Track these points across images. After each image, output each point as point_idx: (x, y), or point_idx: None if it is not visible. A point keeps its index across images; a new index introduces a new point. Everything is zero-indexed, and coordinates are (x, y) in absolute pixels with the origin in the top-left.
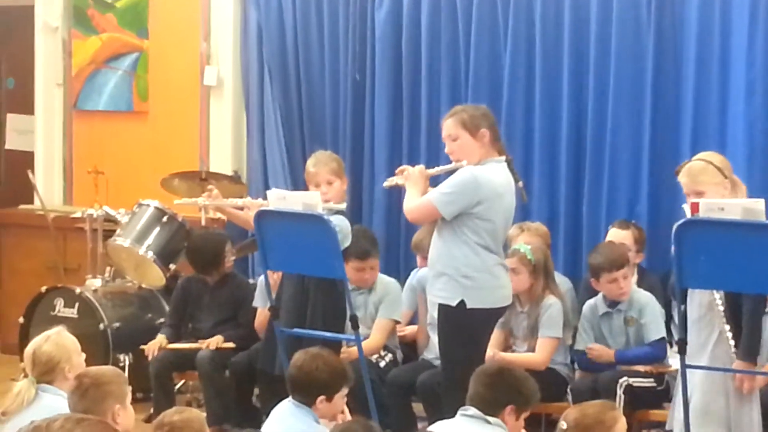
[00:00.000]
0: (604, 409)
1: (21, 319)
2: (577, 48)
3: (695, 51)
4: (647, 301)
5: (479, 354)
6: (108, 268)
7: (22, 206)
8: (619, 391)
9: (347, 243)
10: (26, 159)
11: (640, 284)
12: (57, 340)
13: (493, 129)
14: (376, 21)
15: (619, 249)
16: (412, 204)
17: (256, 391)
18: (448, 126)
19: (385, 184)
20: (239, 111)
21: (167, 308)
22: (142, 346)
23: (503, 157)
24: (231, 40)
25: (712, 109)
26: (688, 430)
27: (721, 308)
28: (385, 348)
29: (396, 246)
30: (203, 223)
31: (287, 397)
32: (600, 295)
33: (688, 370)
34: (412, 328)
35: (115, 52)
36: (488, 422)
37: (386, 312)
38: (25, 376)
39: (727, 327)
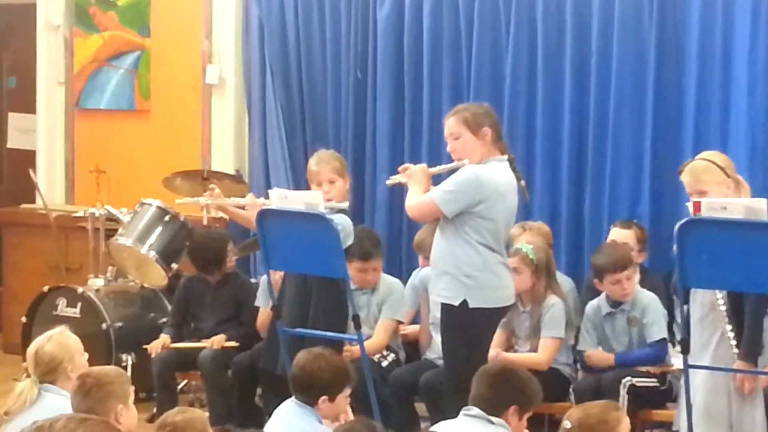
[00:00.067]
0: (607, 409)
1: (23, 319)
2: (579, 47)
3: (697, 50)
4: (650, 301)
5: (482, 354)
6: (110, 268)
7: (23, 205)
8: (623, 391)
9: (349, 242)
10: (28, 158)
11: (642, 284)
12: (59, 340)
13: (496, 128)
14: (378, 19)
15: (623, 250)
16: (414, 202)
17: (259, 390)
18: (450, 124)
19: (388, 182)
20: (241, 110)
21: (169, 308)
22: (145, 346)
23: (505, 156)
24: (233, 39)
25: (714, 108)
26: (691, 430)
27: (723, 308)
28: (388, 348)
29: (398, 245)
30: (205, 222)
31: (290, 396)
32: (603, 296)
33: (691, 371)
34: (414, 328)
35: (117, 50)
36: (491, 422)
37: (389, 312)
38: (28, 375)
39: (729, 327)
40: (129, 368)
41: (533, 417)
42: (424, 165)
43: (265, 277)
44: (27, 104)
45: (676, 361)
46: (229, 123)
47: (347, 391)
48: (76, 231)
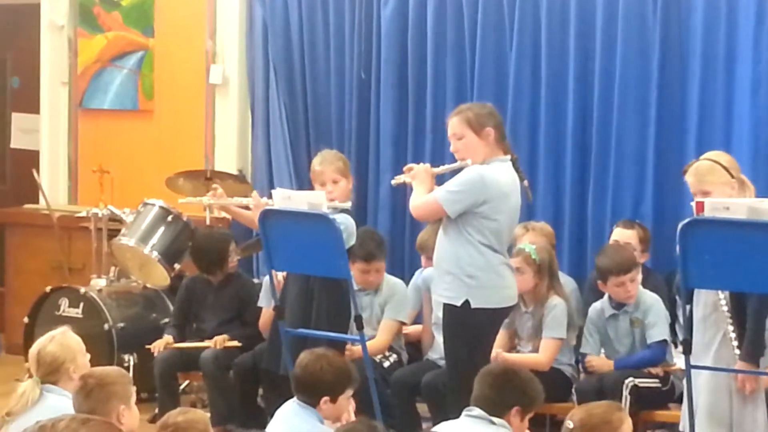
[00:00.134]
0: (610, 410)
1: (26, 319)
2: (583, 47)
3: (701, 49)
4: (652, 302)
5: (484, 354)
6: (113, 268)
7: (27, 205)
8: (625, 392)
9: (352, 242)
10: (31, 158)
11: (644, 284)
12: (62, 340)
13: (499, 128)
14: (382, 19)
15: (627, 252)
16: (418, 201)
17: (261, 391)
18: (453, 124)
19: (393, 181)
20: (244, 110)
21: (172, 308)
22: (147, 346)
23: (508, 156)
24: (236, 39)
25: (717, 107)
26: (693, 430)
27: (726, 308)
28: (390, 349)
29: (401, 245)
30: (208, 222)
31: (292, 397)
32: (606, 297)
33: (694, 371)
34: (416, 328)
35: (121, 50)
36: (493, 423)
37: (392, 313)
38: (30, 376)
39: (731, 328)
40: (131, 369)
41: (535, 417)
42: (427, 165)
43: (267, 277)
44: (30, 104)
45: (679, 361)
46: (233, 123)
47: (349, 392)
48: (78, 231)
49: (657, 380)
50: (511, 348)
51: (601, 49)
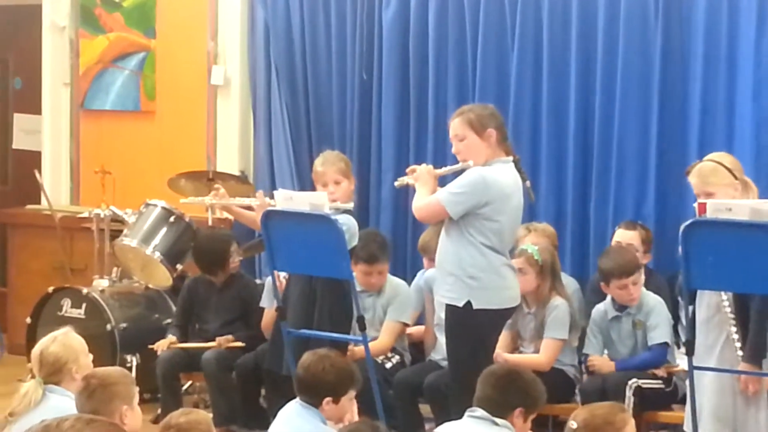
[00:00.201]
0: (614, 411)
1: (28, 320)
2: (585, 48)
3: (702, 51)
4: (655, 304)
5: (486, 355)
6: (115, 269)
7: (29, 206)
8: (629, 393)
9: (354, 243)
10: (33, 159)
11: (647, 285)
12: (64, 341)
13: (501, 129)
14: (384, 20)
15: (630, 255)
16: (421, 203)
17: (264, 392)
18: (455, 126)
19: (396, 183)
20: (246, 111)
21: (174, 309)
22: (150, 346)
23: (510, 157)
24: (238, 40)
25: (719, 108)
26: (696, 431)
27: (728, 310)
28: (393, 350)
29: (403, 246)
30: (210, 223)
31: (294, 397)
32: (609, 299)
33: (698, 373)
34: (418, 329)
35: (123, 51)
36: (496, 424)
37: (395, 314)
38: (32, 376)
39: (734, 329)
40: (133, 369)
41: (537, 418)
42: (430, 166)
43: (270, 278)
44: (32, 105)
45: (682, 362)
46: (235, 124)
47: (352, 393)
48: (81, 232)
49: (660, 381)
50: (514, 349)
51: (602, 50)
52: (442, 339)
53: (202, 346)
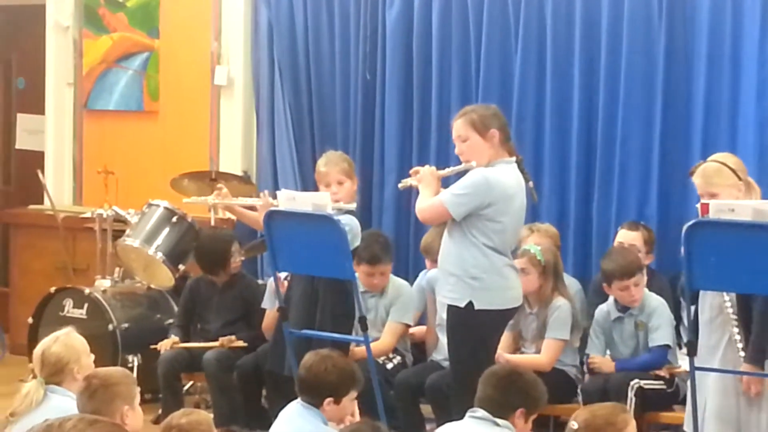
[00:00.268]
0: (615, 411)
1: (30, 320)
2: (588, 48)
3: (706, 51)
4: (657, 305)
5: (488, 355)
6: (117, 269)
7: (31, 206)
8: (631, 394)
9: (357, 243)
10: (36, 159)
11: (649, 286)
12: (66, 341)
13: (504, 129)
14: (387, 20)
15: (632, 256)
16: (424, 204)
17: (265, 392)
18: (458, 127)
19: (400, 185)
20: (249, 111)
21: (176, 309)
22: (152, 346)
23: (513, 158)
24: (242, 40)
25: (723, 109)
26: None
27: (731, 311)
28: (395, 351)
29: (405, 246)
30: (212, 223)
31: (295, 398)
32: (611, 300)
33: (701, 374)
34: (420, 329)
35: (126, 51)
36: (497, 424)
37: (397, 315)
38: (34, 377)
39: (736, 330)
40: (135, 369)
41: (538, 418)
42: (433, 167)
43: (272, 279)
44: (36, 105)
45: (684, 363)
46: (238, 124)
47: (353, 394)
48: (83, 232)
49: (662, 382)
50: (515, 349)
51: (606, 50)
52: (443, 339)
53: (205, 346)
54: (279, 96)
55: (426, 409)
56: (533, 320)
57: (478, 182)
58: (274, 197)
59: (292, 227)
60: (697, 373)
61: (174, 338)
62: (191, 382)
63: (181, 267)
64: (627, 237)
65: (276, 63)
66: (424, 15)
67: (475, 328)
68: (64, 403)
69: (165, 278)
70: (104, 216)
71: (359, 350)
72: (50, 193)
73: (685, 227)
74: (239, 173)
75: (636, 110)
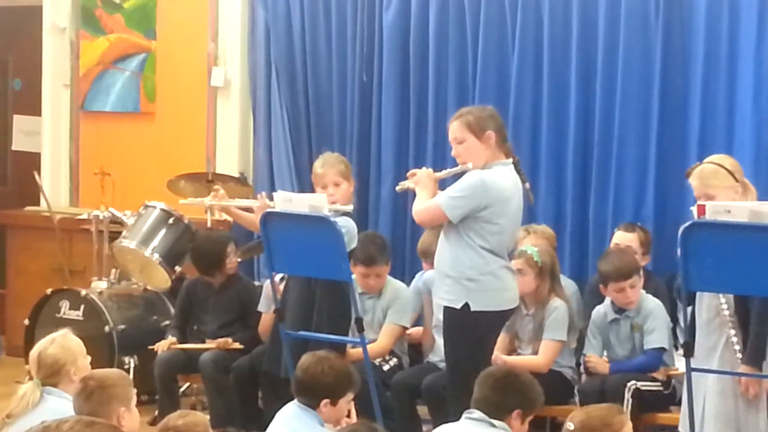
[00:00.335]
0: (611, 413)
1: (26, 321)
2: (585, 49)
3: (703, 52)
4: (653, 308)
5: (484, 357)
6: (113, 270)
7: (28, 208)
8: (627, 395)
9: (353, 245)
10: (33, 160)
11: (645, 287)
12: (62, 343)
13: (500, 131)
14: (384, 22)
15: (628, 258)
16: (421, 207)
17: (261, 393)
18: (454, 129)
19: (398, 188)
20: (246, 112)
21: (172, 310)
22: (150, 347)
23: (510, 159)
24: (239, 41)
25: (719, 110)
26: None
27: (726, 312)
28: (391, 353)
29: (402, 248)
30: (209, 224)
31: (291, 399)
32: (608, 301)
33: (699, 375)
34: (417, 330)
35: (123, 52)
36: (493, 425)
37: (394, 317)
38: (30, 378)
39: (733, 332)
40: (131, 371)
41: (535, 419)
42: (430, 170)
43: (268, 282)
44: (32, 106)
45: (680, 364)
46: (234, 125)
47: (350, 396)
48: (80, 233)
49: (659, 384)
50: (512, 351)
51: (603, 51)
52: (440, 341)
53: (203, 347)
54: (276, 97)
55: (422, 411)
56: (529, 321)
57: (475, 184)
58: (271, 199)
59: (288, 229)
60: (695, 374)
61: (171, 339)
62: (188, 384)
63: (178, 268)
64: (623, 238)
65: (273, 64)
66: (421, 16)
67: (471, 330)
68: (60, 404)
69: (161, 280)
70: (101, 217)
71: (356, 352)
72: (47, 195)
73: (681, 229)
74: (236, 175)
75: (633, 111)
